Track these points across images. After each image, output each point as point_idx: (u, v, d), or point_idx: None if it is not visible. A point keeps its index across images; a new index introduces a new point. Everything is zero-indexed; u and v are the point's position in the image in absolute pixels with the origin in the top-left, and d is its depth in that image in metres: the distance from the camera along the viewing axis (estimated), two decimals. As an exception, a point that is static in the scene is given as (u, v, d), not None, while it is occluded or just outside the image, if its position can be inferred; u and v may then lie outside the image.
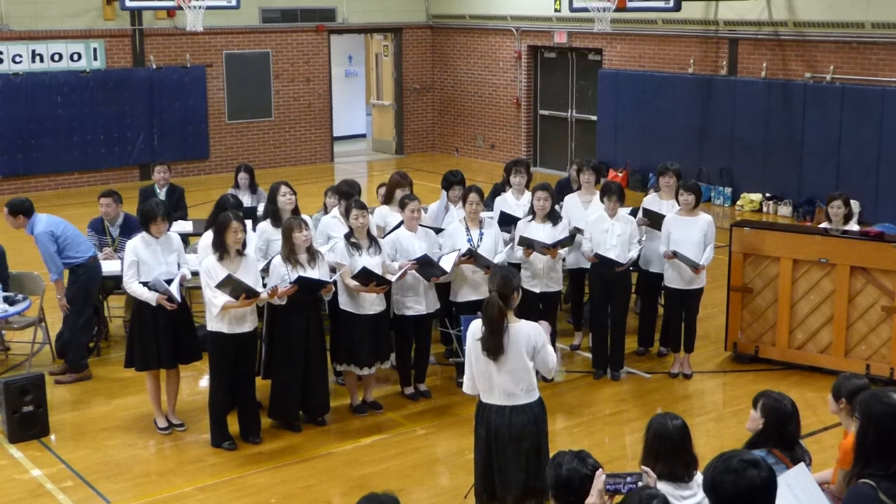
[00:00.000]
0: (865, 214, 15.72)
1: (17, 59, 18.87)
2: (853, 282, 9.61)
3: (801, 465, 4.93)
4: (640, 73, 19.36)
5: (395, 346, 9.31)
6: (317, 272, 8.43)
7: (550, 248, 9.36)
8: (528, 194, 10.36)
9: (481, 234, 9.36)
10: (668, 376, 10.01)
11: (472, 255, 9.12)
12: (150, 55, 20.17)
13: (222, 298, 8.01)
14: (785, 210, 17.06)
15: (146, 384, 8.84)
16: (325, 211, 10.27)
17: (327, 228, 9.62)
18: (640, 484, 4.40)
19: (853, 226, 10.08)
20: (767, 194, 17.40)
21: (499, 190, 11.18)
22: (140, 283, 8.45)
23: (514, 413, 6.46)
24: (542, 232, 9.47)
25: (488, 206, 10.73)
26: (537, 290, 9.53)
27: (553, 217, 9.59)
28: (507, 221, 10.01)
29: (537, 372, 6.62)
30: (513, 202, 10.56)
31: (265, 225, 9.49)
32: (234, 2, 18.39)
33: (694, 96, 18.35)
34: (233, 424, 8.55)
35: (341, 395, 9.26)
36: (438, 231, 9.65)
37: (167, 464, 8.29)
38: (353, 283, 8.64)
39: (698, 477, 4.81)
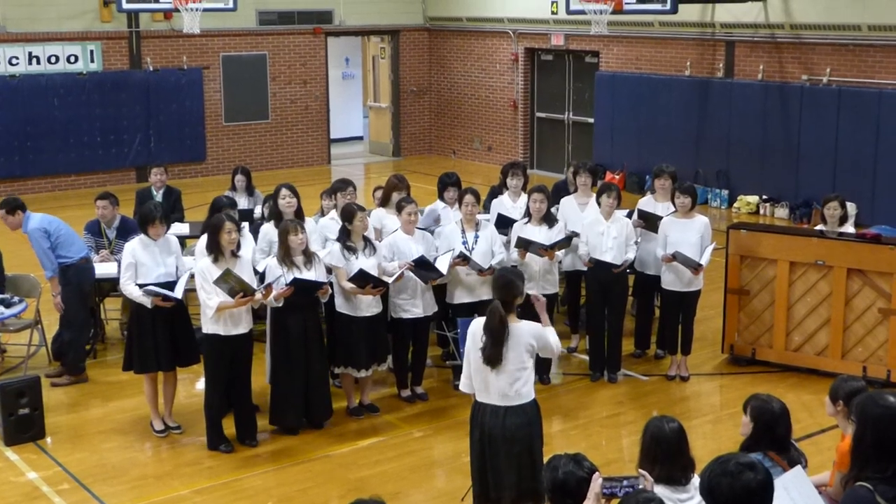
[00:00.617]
0: (862, 216, 15.72)
1: (14, 60, 18.86)
2: (850, 284, 9.61)
3: (798, 467, 4.92)
4: (636, 76, 19.37)
5: (391, 349, 9.30)
6: (313, 274, 8.42)
7: (548, 250, 9.36)
8: (524, 197, 10.36)
9: (476, 236, 9.36)
10: (664, 379, 10.01)
11: (464, 259, 9.12)
12: (146, 57, 20.16)
13: (216, 300, 8.00)
14: (781, 212, 17.07)
15: (143, 386, 8.83)
16: (322, 214, 10.27)
17: (325, 230, 9.62)
18: (636, 487, 4.40)
19: (849, 227, 10.08)
20: (764, 196, 17.41)
21: (496, 192, 11.18)
22: (137, 285, 8.44)
23: (508, 415, 6.44)
24: (539, 234, 9.47)
25: (485, 208, 10.73)
26: (533, 293, 9.49)
27: (549, 219, 9.59)
28: (504, 224, 10.01)
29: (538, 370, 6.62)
30: (509, 204, 10.56)
31: (268, 227, 9.50)
32: (231, 4, 18.40)
33: (690, 99, 18.36)
34: (229, 427, 8.54)
35: (338, 397, 9.24)
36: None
37: (164, 466, 8.28)
38: (350, 285, 8.63)
39: (695, 480, 4.80)
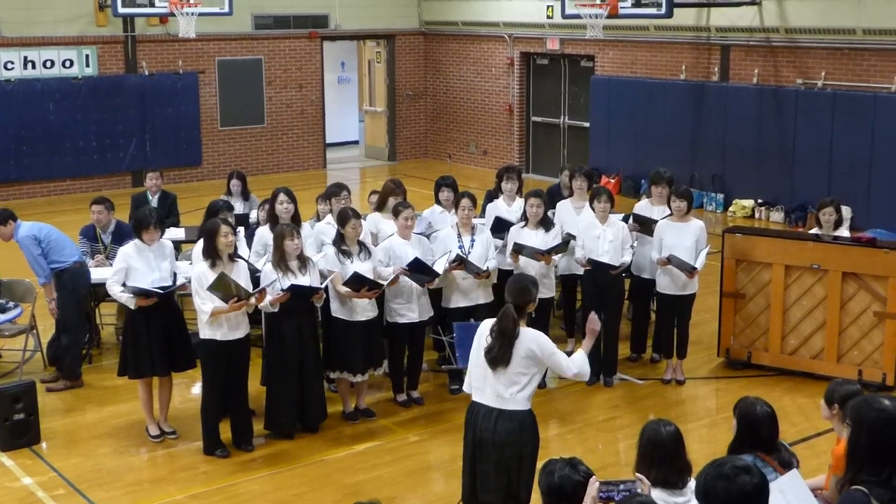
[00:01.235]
0: (857, 220, 15.76)
1: (9, 65, 18.84)
2: (845, 287, 9.62)
3: (794, 471, 4.93)
4: (632, 80, 19.39)
5: (387, 353, 9.30)
6: (308, 279, 8.42)
7: (544, 255, 9.36)
8: (519, 201, 10.38)
9: (473, 240, 9.36)
10: (660, 382, 10.01)
11: (461, 262, 9.12)
12: (142, 62, 20.15)
13: (211, 304, 7.99)
14: (777, 216, 17.09)
15: (138, 391, 8.82)
16: (318, 218, 10.26)
17: (321, 235, 9.62)
18: (633, 491, 4.40)
19: (844, 232, 10.10)
20: (759, 200, 17.43)
21: (492, 196, 11.18)
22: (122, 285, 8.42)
23: (500, 419, 6.39)
24: (535, 238, 9.47)
25: (481, 212, 10.73)
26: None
27: (545, 223, 9.59)
28: (500, 227, 10.01)
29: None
30: (504, 208, 10.56)
31: (263, 230, 9.50)
32: (227, 8, 18.39)
33: (686, 103, 18.38)
34: (225, 432, 8.53)
35: (334, 402, 9.23)
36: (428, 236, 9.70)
37: (159, 471, 8.27)
38: (345, 289, 8.63)
39: (691, 483, 4.81)
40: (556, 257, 9.64)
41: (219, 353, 8.19)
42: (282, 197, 9.36)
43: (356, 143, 26.11)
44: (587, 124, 20.40)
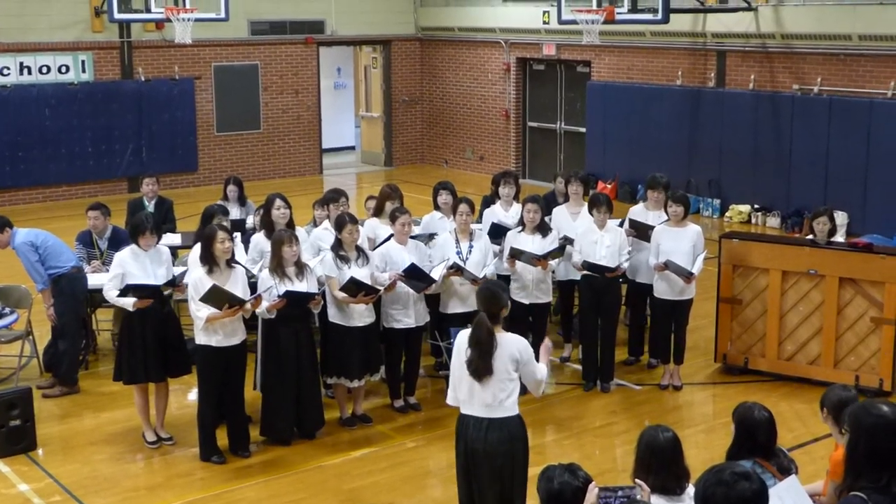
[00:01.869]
0: (853, 225, 15.78)
1: (6, 71, 18.83)
2: (842, 293, 9.62)
3: (793, 477, 4.92)
4: (628, 85, 19.41)
5: (384, 359, 9.29)
6: (305, 285, 8.41)
7: (541, 260, 9.36)
8: (516, 206, 10.38)
9: (471, 246, 9.36)
10: (658, 388, 10.01)
11: (458, 269, 9.12)
12: (138, 67, 20.15)
13: (206, 311, 7.98)
14: (773, 221, 17.10)
15: (134, 397, 8.80)
16: (314, 224, 10.26)
17: (318, 240, 9.62)
18: (632, 497, 4.39)
19: (837, 238, 10.10)
20: (756, 206, 17.44)
21: (488, 202, 11.18)
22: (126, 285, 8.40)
23: (490, 428, 6.37)
24: (532, 243, 9.47)
25: (478, 217, 10.72)
26: (526, 302, 9.51)
27: (543, 229, 9.59)
28: (498, 233, 10.00)
29: (523, 387, 6.57)
30: (501, 214, 10.56)
31: (259, 237, 9.49)
32: (223, 14, 18.38)
33: (682, 108, 18.40)
34: (222, 438, 8.51)
35: (331, 408, 9.22)
36: (431, 237, 9.68)
37: (156, 478, 8.25)
38: (342, 294, 8.62)
39: (690, 489, 4.80)
40: (552, 262, 9.64)
41: (214, 360, 8.17)
42: (278, 203, 9.36)
43: (352, 148, 26.12)
44: (583, 130, 20.42)
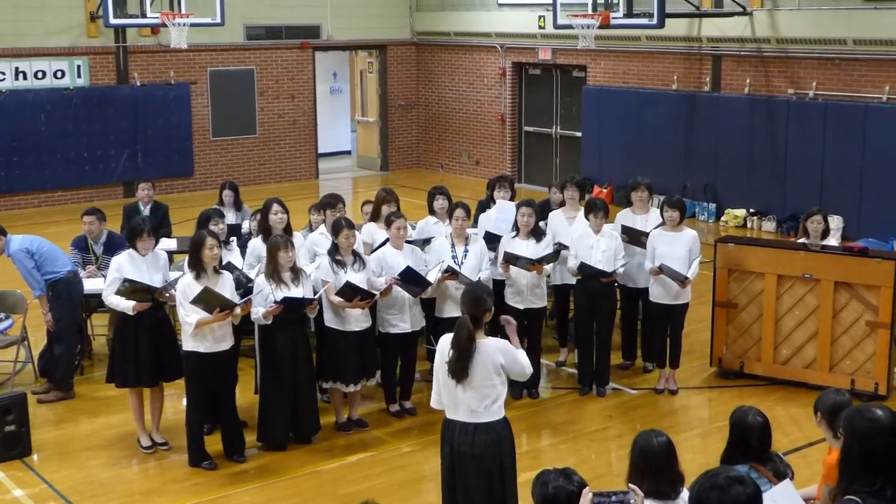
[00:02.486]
0: (849, 230, 15.80)
1: (1, 76, 18.81)
2: (837, 297, 9.63)
3: (787, 481, 4.92)
4: (624, 90, 19.43)
5: (380, 364, 9.28)
6: (301, 290, 8.40)
7: (535, 264, 9.36)
8: (512, 208, 10.36)
9: (466, 250, 9.36)
10: (653, 392, 10.01)
11: (453, 273, 9.12)
12: (134, 72, 20.15)
13: (195, 316, 7.97)
14: (769, 225, 17.12)
15: (129, 401, 8.80)
16: (310, 228, 10.25)
17: (314, 245, 9.61)
18: (626, 502, 4.39)
19: (831, 241, 10.11)
20: (751, 210, 17.46)
21: (484, 206, 11.18)
22: (124, 279, 8.38)
23: (477, 432, 6.37)
24: (526, 248, 9.47)
25: (473, 222, 10.71)
26: (521, 307, 9.51)
27: (537, 233, 9.59)
28: (490, 240, 9.98)
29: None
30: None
31: (256, 241, 9.50)
32: (219, 19, 18.39)
33: (678, 113, 18.42)
34: (217, 443, 8.50)
35: (326, 412, 9.22)
36: (427, 241, 9.68)
37: (151, 483, 8.24)
38: (338, 299, 8.62)
39: (684, 494, 4.80)
40: (547, 267, 9.64)
41: (202, 366, 8.16)
42: (276, 208, 9.37)
43: (348, 153, 26.11)
44: (579, 134, 20.43)
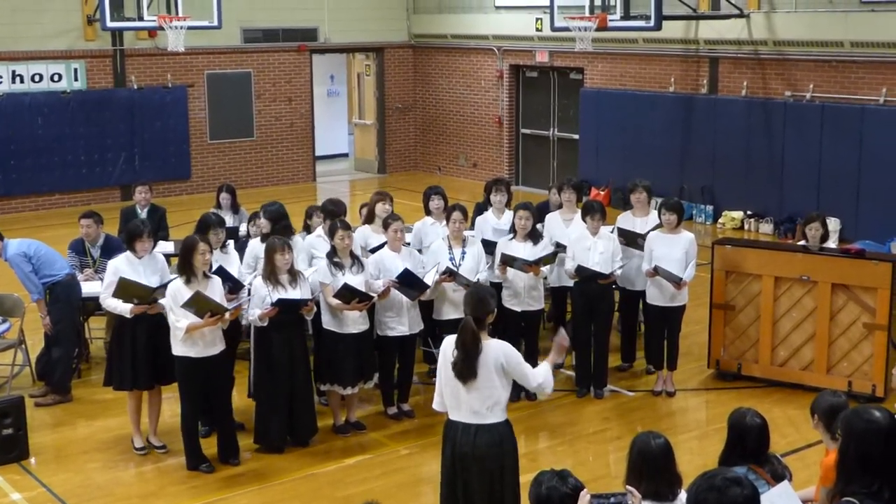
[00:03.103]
0: (846, 232, 15.80)
1: (-2, 79, 18.83)
2: (835, 299, 9.64)
3: (785, 482, 4.93)
4: (621, 92, 19.44)
5: (378, 366, 9.28)
6: (298, 293, 8.40)
7: (532, 266, 9.36)
8: (508, 213, 10.37)
9: (464, 252, 9.36)
10: (651, 394, 10.02)
11: (451, 274, 9.12)
12: (131, 75, 20.14)
13: (185, 321, 7.96)
14: (766, 227, 17.13)
15: (127, 403, 8.79)
16: (307, 230, 10.25)
17: (312, 247, 9.61)
18: None
19: (830, 245, 10.12)
20: (749, 212, 17.47)
21: (481, 209, 11.18)
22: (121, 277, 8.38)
23: (479, 433, 6.37)
24: (524, 251, 9.47)
25: (471, 225, 10.72)
26: (518, 310, 9.51)
27: (534, 236, 9.59)
28: (487, 248, 9.94)
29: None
30: (494, 221, 10.55)
31: (255, 242, 9.53)
32: (216, 22, 18.38)
33: (675, 115, 18.43)
34: (211, 447, 8.49)
35: (324, 415, 9.21)
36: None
37: (149, 486, 8.23)
38: (335, 301, 8.62)
39: (682, 495, 4.81)
40: (545, 269, 9.64)
41: (193, 370, 8.14)
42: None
43: (346, 155, 26.11)
44: (577, 136, 20.43)
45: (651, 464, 4.85)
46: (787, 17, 16.77)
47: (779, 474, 5.24)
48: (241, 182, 20.42)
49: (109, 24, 17.87)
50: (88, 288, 10.06)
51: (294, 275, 8.47)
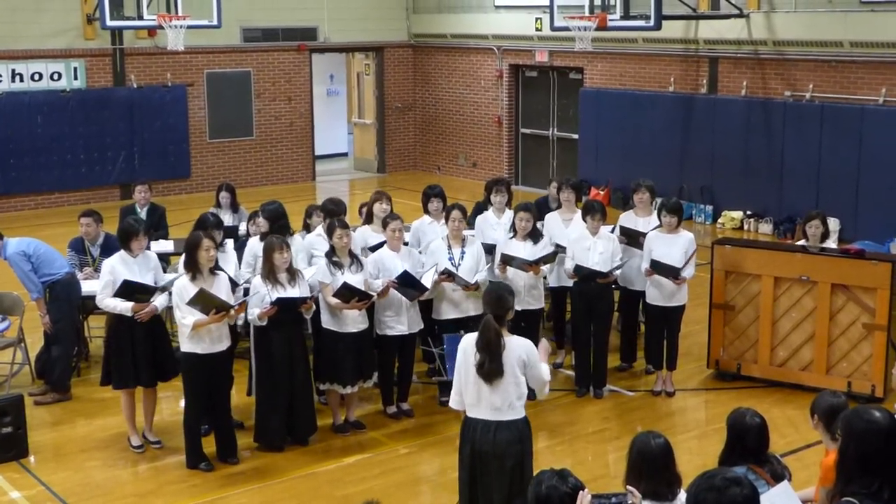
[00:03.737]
0: (845, 232, 15.80)
1: (-3, 78, 18.82)
2: (834, 299, 9.64)
3: (785, 483, 4.93)
4: (621, 92, 19.43)
5: (377, 365, 9.28)
6: (297, 291, 8.41)
7: (532, 265, 9.36)
8: (508, 213, 10.37)
9: (463, 252, 9.36)
10: (650, 394, 10.02)
11: (449, 275, 9.12)
12: (130, 74, 20.14)
13: (191, 318, 7.96)
14: (766, 227, 17.13)
15: (122, 401, 8.79)
16: (307, 229, 10.24)
17: (312, 246, 9.61)
18: None
19: (830, 244, 10.12)
20: (748, 212, 17.47)
21: (481, 209, 11.18)
22: (124, 280, 8.37)
23: (499, 430, 6.41)
24: (523, 250, 9.47)
25: (470, 224, 10.71)
26: (518, 309, 9.43)
27: (534, 235, 9.59)
28: (489, 251, 9.93)
29: (530, 390, 6.60)
30: (494, 221, 10.54)
31: (254, 241, 9.53)
32: (216, 21, 18.37)
33: (675, 115, 18.43)
34: (211, 445, 8.50)
35: (323, 414, 9.21)
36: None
37: (147, 485, 8.23)
38: (335, 300, 8.62)
39: (682, 495, 4.81)
40: (545, 268, 9.64)
41: (200, 367, 8.15)
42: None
43: (345, 155, 26.11)
44: (576, 136, 20.43)
45: (651, 463, 4.85)
46: (786, 16, 16.78)
47: (778, 474, 5.24)
48: (241, 181, 20.41)
49: (109, 23, 17.86)
50: (88, 287, 10.04)
51: (293, 274, 8.48)
